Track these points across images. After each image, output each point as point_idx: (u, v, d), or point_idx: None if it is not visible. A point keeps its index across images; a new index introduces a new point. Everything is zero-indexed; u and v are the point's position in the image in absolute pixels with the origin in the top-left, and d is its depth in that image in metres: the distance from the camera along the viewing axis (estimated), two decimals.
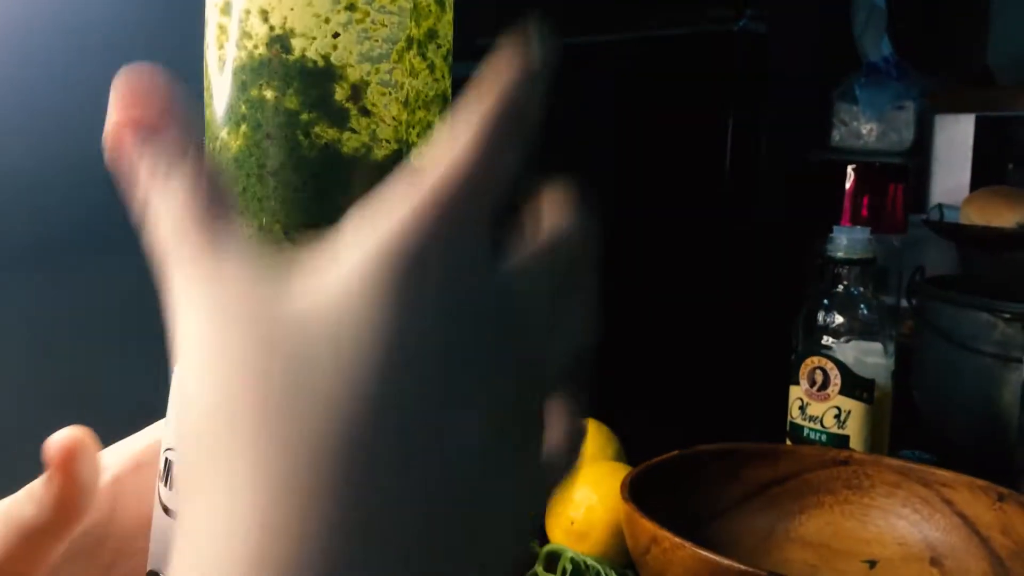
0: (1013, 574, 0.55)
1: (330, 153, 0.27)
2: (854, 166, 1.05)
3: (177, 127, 0.24)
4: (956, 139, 1.19)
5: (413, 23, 0.28)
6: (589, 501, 0.64)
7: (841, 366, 0.70)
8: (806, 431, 0.72)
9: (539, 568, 0.62)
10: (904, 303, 0.92)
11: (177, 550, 0.19)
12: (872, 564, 0.60)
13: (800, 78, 1.04)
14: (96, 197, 0.59)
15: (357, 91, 0.28)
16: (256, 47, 0.27)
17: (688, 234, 0.93)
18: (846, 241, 0.72)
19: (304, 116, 0.27)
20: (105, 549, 0.30)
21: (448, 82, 0.30)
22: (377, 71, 0.28)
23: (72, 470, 0.27)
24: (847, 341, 0.71)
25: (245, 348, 0.19)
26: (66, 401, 0.59)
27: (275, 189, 0.27)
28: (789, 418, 0.74)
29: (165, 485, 0.28)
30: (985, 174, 1.17)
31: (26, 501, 0.28)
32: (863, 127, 1.13)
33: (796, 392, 0.73)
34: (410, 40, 0.28)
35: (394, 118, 0.28)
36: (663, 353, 0.95)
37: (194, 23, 0.31)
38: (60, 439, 0.28)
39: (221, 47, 0.28)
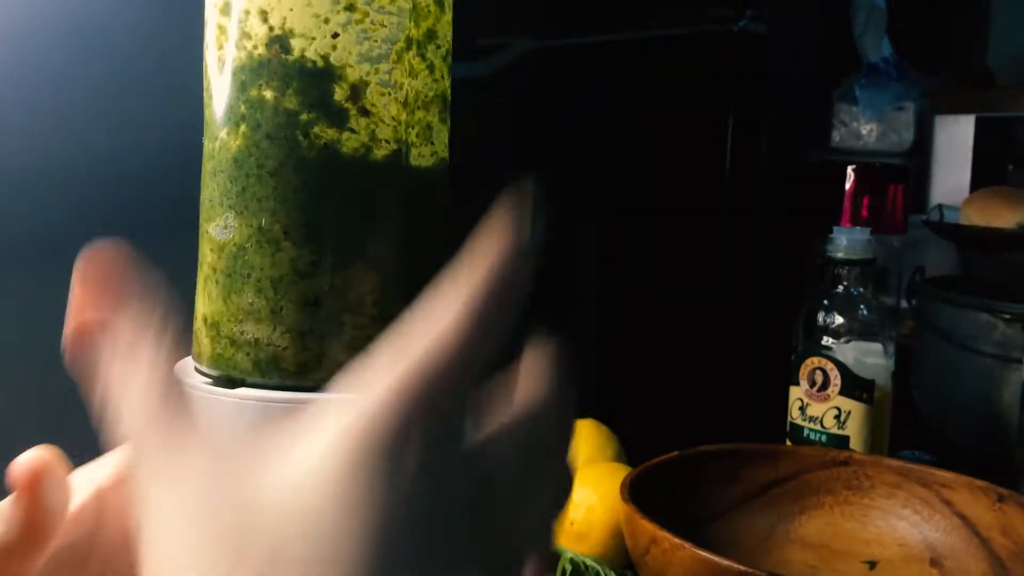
0: (1013, 575, 0.55)
1: (329, 153, 0.27)
2: (854, 167, 1.05)
3: (131, 317, 0.24)
4: (956, 140, 1.19)
5: (412, 23, 0.28)
6: (589, 502, 0.64)
7: (841, 367, 0.70)
8: (806, 432, 0.72)
9: None
10: (904, 304, 0.92)
11: None
12: (872, 565, 0.60)
13: (800, 78, 1.04)
14: (96, 197, 0.59)
15: (356, 91, 0.28)
16: (256, 47, 0.27)
17: (688, 234, 0.93)
18: (846, 242, 0.72)
19: (303, 116, 0.27)
20: (91, 563, 0.30)
21: (447, 82, 0.30)
22: (376, 71, 0.28)
23: (38, 492, 0.27)
24: (847, 342, 0.71)
25: (221, 536, 0.19)
26: (66, 401, 0.59)
27: (275, 189, 0.27)
28: (789, 419, 0.74)
29: None
30: (985, 175, 1.17)
31: None
32: (863, 128, 1.13)
33: (796, 392, 0.73)
34: (409, 40, 0.28)
35: (393, 118, 0.28)
36: (663, 353, 0.95)
37: (194, 23, 0.31)
38: (25, 461, 0.27)
39: (221, 47, 0.28)
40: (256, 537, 0.19)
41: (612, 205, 0.97)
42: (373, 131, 0.28)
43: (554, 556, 0.62)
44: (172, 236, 0.57)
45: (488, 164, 0.83)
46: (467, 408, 0.22)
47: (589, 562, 0.62)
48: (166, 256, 0.60)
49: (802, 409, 0.72)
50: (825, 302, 0.73)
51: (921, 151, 1.16)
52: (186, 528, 0.20)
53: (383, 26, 0.28)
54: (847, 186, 1.05)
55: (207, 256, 0.29)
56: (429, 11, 0.29)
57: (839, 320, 0.72)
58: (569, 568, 0.61)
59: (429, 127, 0.29)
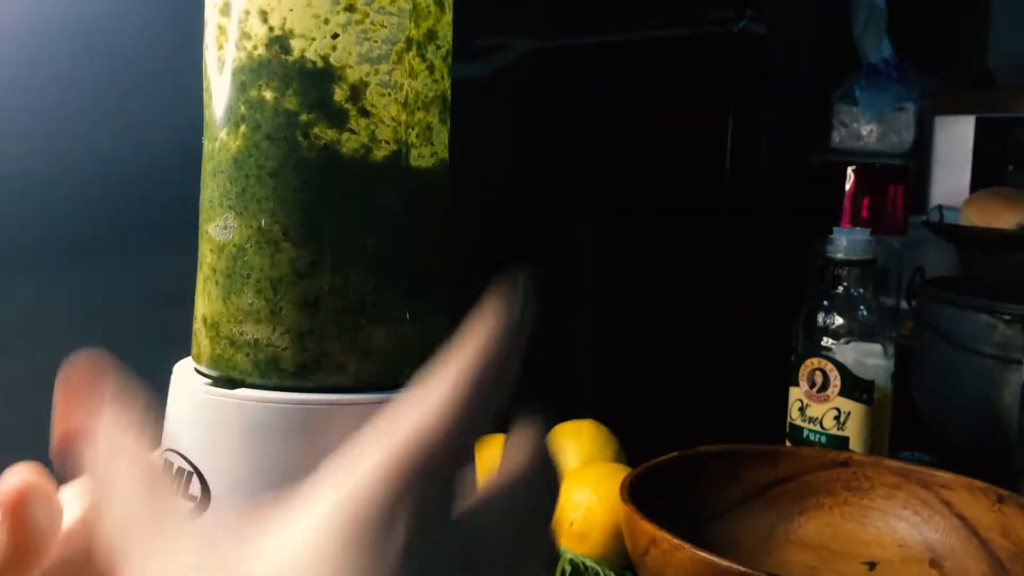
0: None
1: (329, 154, 0.27)
2: (854, 167, 1.05)
3: (111, 419, 0.25)
4: (956, 140, 1.19)
5: (412, 24, 0.28)
6: (588, 502, 0.64)
7: (841, 367, 0.70)
8: (806, 432, 0.72)
9: None
10: (904, 304, 0.92)
11: None
12: (872, 566, 0.60)
13: (800, 79, 1.04)
14: (96, 198, 0.59)
15: (356, 92, 0.28)
16: (255, 48, 0.27)
17: (688, 235, 0.93)
18: (846, 242, 0.72)
19: (303, 117, 0.27)
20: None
21: (447, 83, 0.30)
22: (376, 72, 0.28)
23: (24, 515, 0.27)
24: (847, 342, 0.71)
25: None
26: None
27: (274, 190, 0.27)
28: (789, 419, 0.74)
29: None
30: (985, 175, 1.17)
31: None
32: (863, 128, 1.13)
33: (796, 393, 0.73)
34: (409, 41, 0.28)
35: (393, 119, 0.28)
36: (663, 354, 0.95)
37: (194, 24, 0.31)
38: (10, 483, 0.28)
39: (221, 48, 0.28)
40: None
41: (612, 205, 0.97)
42: (373, 132, 0.28)
43: None
44: (172, 237, 0.57)
45: (488, 164, 0.83)
46: (455, 483, 0.23)
47: (589, 563, 0.62)
48: (166, 256, 0.60)
49: (802, 410, 0.72)
50: (825, 303, 0.73)
51: (921, 152, 1.16)
52: None
53: (383, 27, 0.28)
54: (847, 187, 1.05)
55: (207, 257, 0.29)
56: (429, 12, 0.29)
57: (839, 321, 0.72)
58: (569, 569, 0.61)
59: (429, 128, 0.29)
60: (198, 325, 0.29)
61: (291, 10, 0.27)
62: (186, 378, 0.29)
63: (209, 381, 0.28)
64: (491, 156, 0.82)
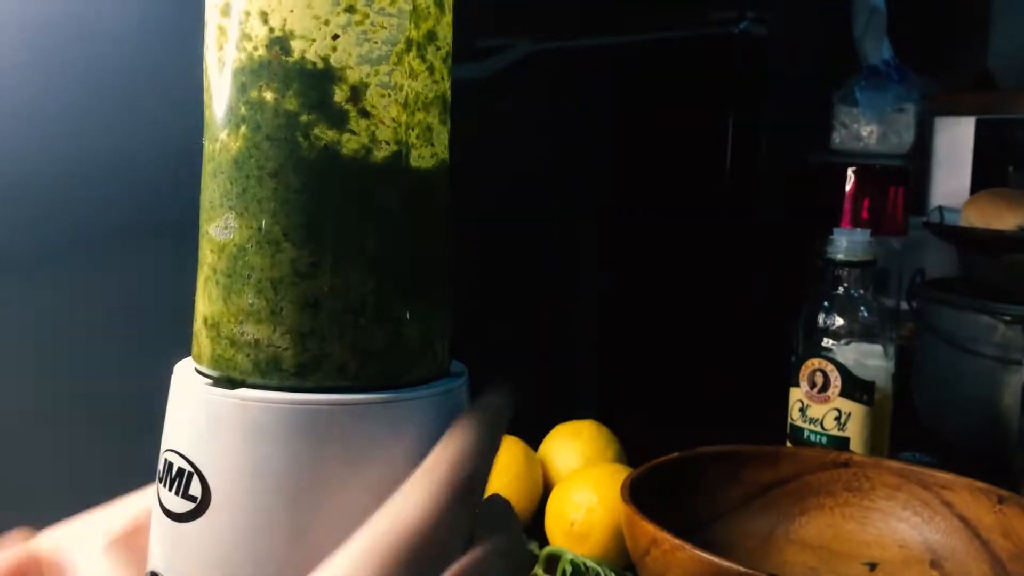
0: None
1: (330, 154, 0.27)
2: (854, 168, 1.06)
3: None
4: (956, 141, 1.19)
5: (412, 25, 0.28)
6: (589, 503, 0.64)
7: (841, 368, 0.70)
8: (806, 433, 0.72)
9: (539, 570, 0.62)
10: (904, 305, 0.92)
11: None
12: (872, 566, 0.60)
13: (800, 80, 1.04)
14: (97, 198, 0.59)
15: (356, 93, 0.28)
16: (256, 48, 0.28)
17: (689, 235, 0.93)
18: (846, 243, 0.72)
19: (304, 118, 0.27)
20: None
21: (447, 84, 0.30)
22: (376, 73, 0.28)
23: None
24: (847, 343, 0.71)
25: None
26: (66, 401, 0.59)
27: (275, 191, 0.27)
28: (789, 420, 0.74)
29: (165, 486, 0.28)
30: (985, 176, 1.17)
31: None
32: (863, 129, 1.13)
33: (796, 394, 0.73)
34: (409, 42, 0.28)
35: (393, 120, 0.28)
36: (663, 354, 0.95)
37: (194, 25, 0.31)
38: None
39: (221, 48, 0.28)
40: None
41: (612, 206, 0.97)
42: (373, 132, 0.28)
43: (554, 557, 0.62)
44: (173, 237, 0.57)
45: (488, 165, 0.83)
46: None
47: (589, 563, 0.62)
48: (167, 257, 0.60)
49: (802, 410, 0.72)
50: (825, 304, 0.73)
51: (921, 153, 1.16)
52: None
53: (383, 28, 0.28)
54: (847, 188, 1.05)
55: (207, 257, 0.29)
56: (429, 13, 0.29)
57: (839, 322, 0.72)
58: (569, 569, 0.61)
59: (429, 128, 0.29)
60: (198, 325, 0.30)
61: (291, 11, 0.27)
62: (186, 378, 0.29)
63: (210, 381, 0.28)
64: (491, 157, 0.82)
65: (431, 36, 0.29)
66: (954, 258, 1.11)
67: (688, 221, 0.92)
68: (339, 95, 0.27)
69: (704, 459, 0.64)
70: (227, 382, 0.28)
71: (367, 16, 0.27)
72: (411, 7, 0.28)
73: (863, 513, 0.62)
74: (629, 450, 0.75)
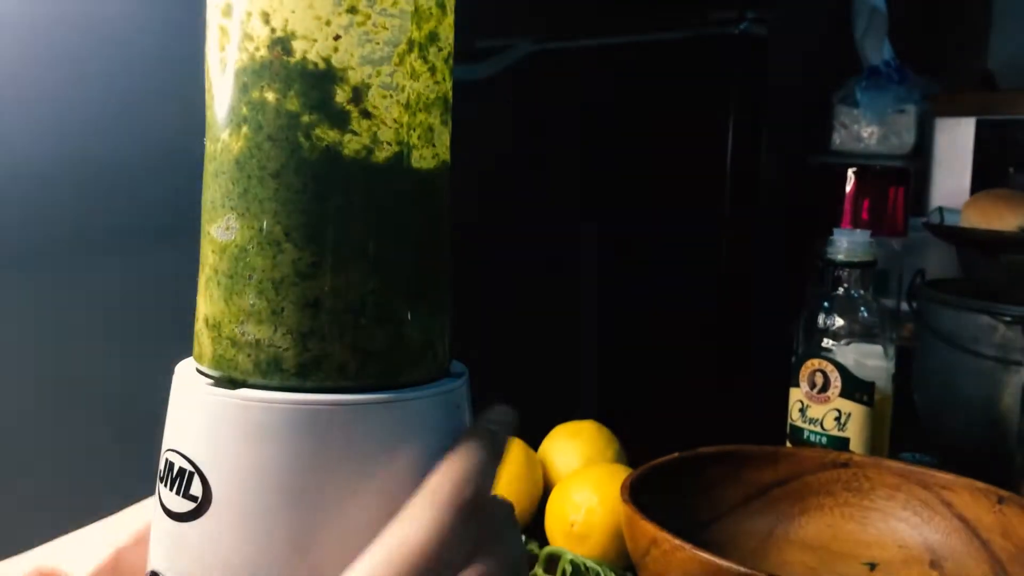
0: None
1: (331, 155, 0.27)
2: (855, 169, 1.06)
3: None
4: (957, 142, 1.19)
5: (414, 26, 0.28)
6: (589, 503, 0.64)
7: (841, 368, 0.70)
8: (806, 433, 0.72)
9: (539, 570, 0.62)
10: (904, 306, 0.92)
11: None
12: (872, 567, 0.60)
13: (801, 81, 1.04)
14: (98, 198, 0.59)
15: (358, 93, 0.28)
16: (257, 49, 0.28)
17: (689, 236, 0.93)
18: (846, 244, 0.72)
19: (305, 118, 0.27)
20: None
21: (449, 84, 0.30)
22: (378, 73, 0.28)
23: None
24: (847, 344, 0.71)
25: None
26: (66, 401, 0.59)
27: (276, 191, 0.28)
28: (789, 420, 0.74)
29: (166, 486, 0.28)
30: (985, 177, 1.17)
31: None
32: (864, 130, 1.13)
33: (796, 394, 0.73)
34: (411, 43, 0.28)
35: (395, 120, 0.28)
36: (664, 355, 0.95)
37: (196, 25, 0.31)
38: None
39: (223, 49, 0.28)
40: None
41: (613, 206, 0.97)
42: (375, 133, 0.28)
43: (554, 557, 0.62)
44: (174, 237, 0.57)
45: (489, 165, 0.83)
46: None
47: (590, 563, 0.62)
48: (168, 257, 0.60)
49: (802, 411, 0.72)
50: (825, 304, 0.73)
51: (922, 154, 1.16)
52: None
53: (385, 28, 0.28)
54: (848, 188, 1.05)
55: (209, 257, 0.29)
56: (431, 13, 0.29)
57: (839, 322, 0.72)
58: (569, 569, 0.61)
59: (430, 129, 0.29)
60: (200, 326, 0.30)
61: (293, 12, 0.27)
62: (188, 378, 0.29)
63: (211, 381, 0.28)
64: (492, 157, 0.82)
65: (433, 37, 0.29)
66: (954, 259, 1.11)
67: (689, 222, 0.92)
68: (341, 96, 0.27)
69: (704, 459, 0.64)
70: (228, 382, 0.28)
71: (369, 17, 0.28)
72: (413, 8, 0.28)
73: (863, 513, 0.62)
74: (629, 450, 0.75)
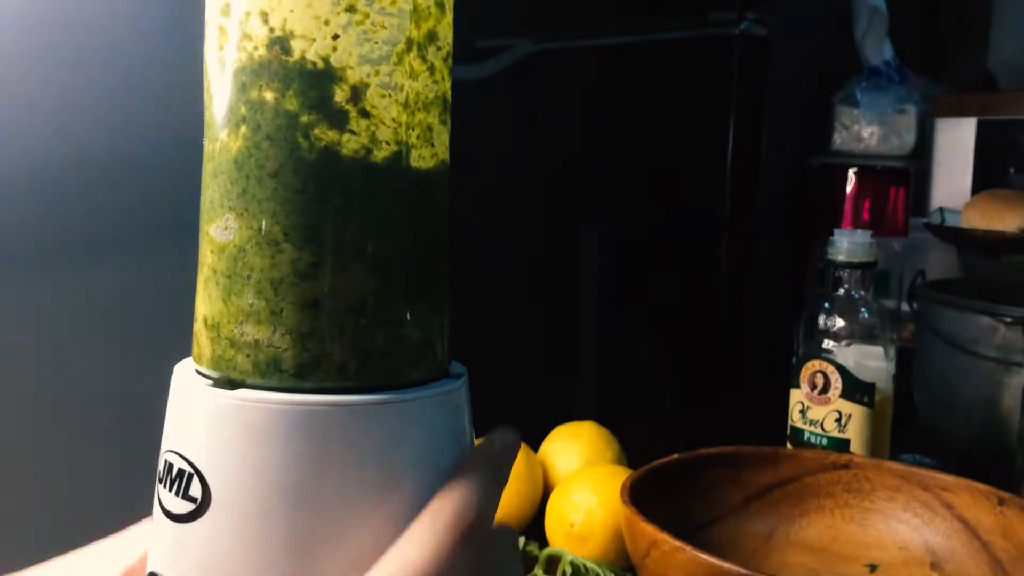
0: None
1: (330, 155, 0.27)
2: (855, 169, 1.06)
3: None
4: (957, 143, 1.19)
5: (413, 25, 0.28)
6: (589, 504, 0.64)
7: (842, 370, 0.70)
8: (807, 435, 0.72)
9: (539, 571, 0.62)
10: (905, 307, 0.92)
11: None
12: (872, 568, 0.60)
13: (801, 81, 1.04)
14: (97, 198, 0.59)
15: (357, 93, 0.28)
16: (256, 48, 0.27)
17: (689, 236, 0.93)
18: (847, 244, 0.72)
19: (304, 118, 0.27)
20: None
21: (448, 84, 0.30)
22: (377, 73, 0.28)
23: None
24: (848, 345, 0.71)
25: None
26: (66, 401, 0.59)
27: (275, 191, 0.27)
28: (790, 421, 0.73)
29: (165, 487, 0.28)
30: (986, 178, 1.17)
31: None
32: (864, 131, 1.13)
33: (797, 396, 0.73)
34: (410, 42, 0.28)
35: (394, 120, 0.28)
36: (664, 355, 0.95)
37: (195, 24, 0.31)
38: None
39: (221, 48, 0.28)
40: None
41: (613, 207, 0.97)
42: (373, 133, 0.28)
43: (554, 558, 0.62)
44: (173, 237, 0.57)
45: (489, 165, 0.83)
46: None
47: (590, 565, 0.62)
48: (167, 257, 0.60)
49: (803, 412, 0.72)
50: (826, 305, 0.73)
51: (922, 154, 1.16)
52: None
53: (384, 28, 0.28)
54: (848, 189, 1.05)
55: (207, 257, 0.29)
56: (430, 13, 0.29)
57: (840, 323, 0.72)
58: (569, 570, 0.61)
59: (429, 129, 0.29)
60: (198, 326, 0.29)
61: (292, 11, 0.27)
62: (186, 379, 0.29)
63: (210, 382, 0.28)
64: (492, 157, 0.82)
65: (432, 36, 0.29)
66: (955, 259, 1.11)
67: (689, 223, 0.92)
68: (339, 95, 0.27)
69: (704, 460, 0.64)
70: (227, 383, 0.28)
71: (368, 16, 0.27)
72: (412, 7, 0.28)
73: (863, 515, 0.62)
74: (629, 451, 0.75)
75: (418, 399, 0.29)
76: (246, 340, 0.28)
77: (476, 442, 0.31)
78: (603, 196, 0.97)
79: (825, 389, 0.71)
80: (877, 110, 1.09)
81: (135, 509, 0.35)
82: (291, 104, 0.27)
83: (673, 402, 0.93)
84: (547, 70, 0.94)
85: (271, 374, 0.27)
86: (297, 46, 0.27)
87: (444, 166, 0.30)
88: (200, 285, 0.29)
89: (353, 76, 0.27)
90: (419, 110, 0.29)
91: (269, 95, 0.27)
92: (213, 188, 0.29)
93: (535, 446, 0.76)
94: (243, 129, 0.28)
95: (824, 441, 0.71)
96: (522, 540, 0.66)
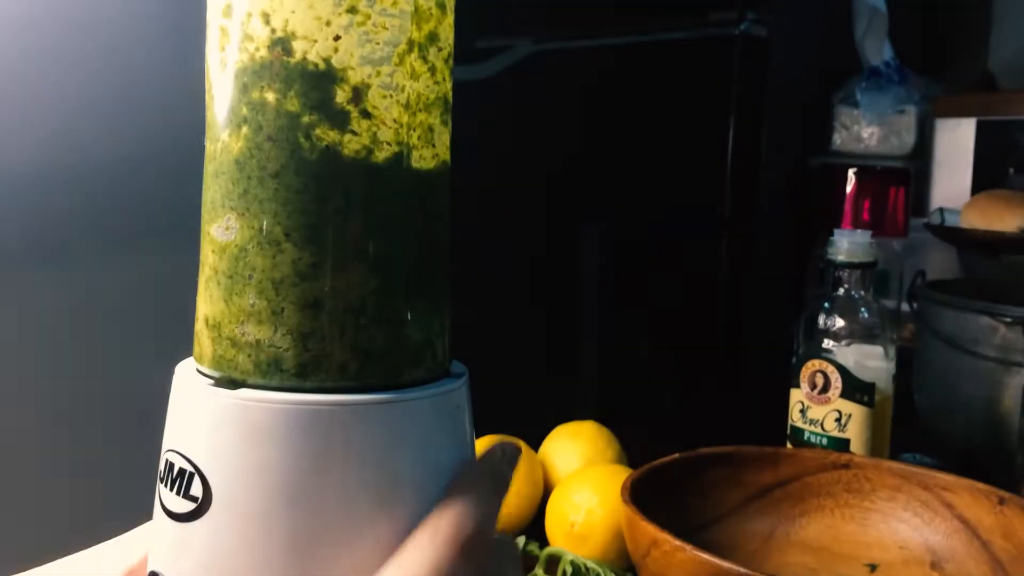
0: None
1: (331, 155, 0.27)
2: (855, 170, 1.06)
3: None
4: (957, 143, 1.19)
5: (414, 26, 0.28)
6: (590, 504, 0.64)
7: (842, 369, 0.70)
8: (807, 434, 0.72)
9: (539, 571, 0.62)
10: (905, 307, 0.92)
11: None
12: (873, 568, 0.60)
13: (801, 81, 1.04)
14: (98, 198, 0.59)
15: (358, 93, 0.28)
16: (258, 49, 0.28)
17: (689, 236, 0.93)
18: (847, 245, 0.72)
19: (305, 118, 0.27)
20: None
21: (449, 85, 0.30)
22: (378, 74, 0.28)
23: None
24: (848, 344, 0.71)
25: None
26: (66, 401, 0.59)
27: (276, 191, 0.27)
28: (790, 421, 0.74)
29: (166, 486, 0.28)
30: (986, 178, 1.17)
31: None
32: (864, 131, 1.13)
33: (797, 395, 0.73)
34: (411, 43, 0.28)
35: (395, 120, 0.28)
36: (664, 355, 0.95)
37: (196, 25, 0.31)
38: None
39: (223, 49, 0.28)
40: None
41: (613, 207, 0.97)
42: (375, 133, 0.28)
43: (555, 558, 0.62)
44: (174, 237, 0.57)
45: (489, 166, 0.83)
46: None
47: (590, 564, 0.62)
48: (168, 257, 0.60)
49: (803, 412, 0.72)
50: (826, 305, 0.73)
51: (922, 154, 1.16)
52: None
53: (385, 28, 0.28)
54: (848, 189, 1.05)
55: (208, 257, 0.29)
56: (431, 13, 0.29)
57: (840, 323, 0.72)
58: (570, 570, 0.61)
59: (431, 129, 0.29)
60: (200, 326, 0.30)
61: (293, 12, 0.27)
62: (188, 379, 0.29)
63: (211, 382, 0.28)
64: (492, 157, 0.82)
65: (433, 37, 0.29)
66: (955, 259, 1.11)
67: (689, 223, 0.92)
68: (341, 96, 0.27)
69: (704, 460, 0.64)
70: (228, 382, 0.28)
71: (369, 17, 0.28)
72: (413, 8, 0.28)
73: (863, 514, 0.62)
74: (629, 451, 0.75)
75: (419, 399, 0.29)
76: (247, 340, 0.28)
77: (477, 442, 0.31)
78: (603, 196, 0.97)
79: (825, 389, 0.71)
80: (877, 110, 1.09)
81: (136, 508, 0.35)
82: (292, 105, 0.27)
83: (673, 402, 0.93)
84: (547, 70, 0.94)
85: (272, 374, 0.28)
86: (299, 47, 0.27)
87: (445, 166, 0.30)
88: (201, 285, 0.30)
89: (354, 77, 0.28)
90: (420, 111, 0.29)
91: (271, 96, 0.27)
92: (214, 188, 0.29)
93: (535, 446, 0.76)
94: (244, 130, 0.28)
95: (824, 441, 0.71)
96: (522, 540, 0.66)
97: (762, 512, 0.63)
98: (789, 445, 0.73)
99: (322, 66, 0.27)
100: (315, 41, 0.27)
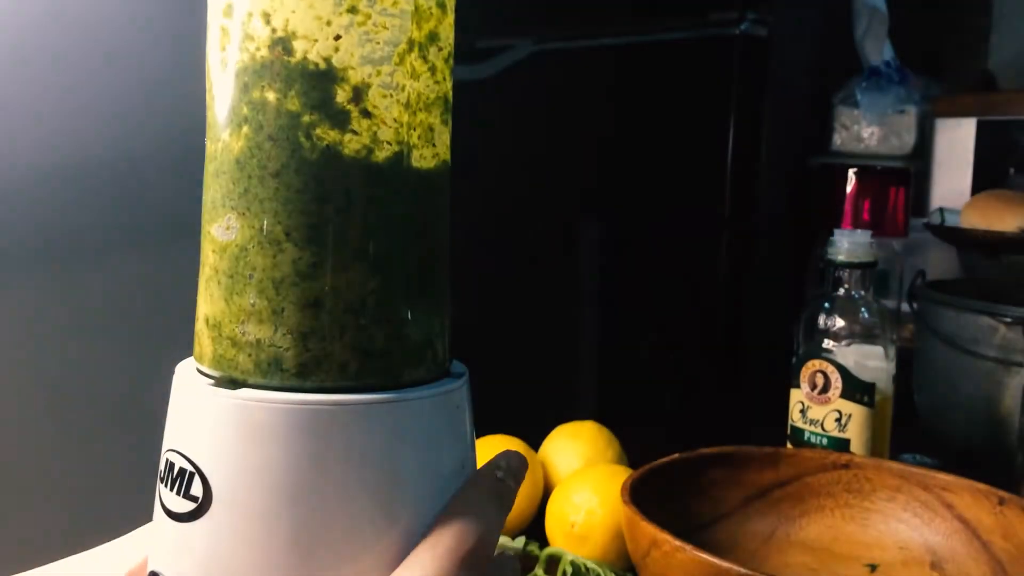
0: None
1: (331, 155, 0.27)
2: (855, 170, 1.06)
3: None
4: (957, 143, 1.19)
5: (415, 25, 0.28)
6: (590, 504, 0.64)
7: (842, 369, 0.70)
8: (807, 434, 0.72)
9: (539, 571, 0.62)
10: (905, 307, 0.92)
11: None
12: (873, 568, 0.60)
13: (801, 81, 1.04)
14: (99, 198, 0.59)
15: (358, 93, 0.28)
16: (258, 49, 0.28)
17: (690, 237, 0.93)
18: (847, 245, 0.72)
19: (306, 118, 0.27)
20: None
21: (449, 84, 0.30)
22: (379, 73, 0.28)
23: None
24: (848, 344, 0.71)
25: None
26: (66, 401, 0.59)
27: (277, 191, 0.28)
28: (790, 421, 0.74)
29: (166, 486, 0.28)
30: (986, 178, 1.17)
31: None
32: (864, 131, 1.13)
33: (797, 395, 0.73)
34: (411, 42, 0.28)
35: (395, 120, 0.28)
36: (664, 355, 0.95)
37: (197, 25, 0.31)
38: None
39: (223, 49, 0.28)
40: None
41: (613, 207, 0.97)
42: (375, 133, 0.28)
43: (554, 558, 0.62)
44: (174, 237, 0.57)
45: (489, 165, 0.83)
46: None
47: (590, 564, 0.62)
48: (168, 257, 0.60)
49: (803, 412, 0.72)
50: (826, 305, 0.73)
51: (922, 154, 1.16)
52: None
53: (385, 28, 0.28)
54: (848, 189, 1.05)
55: (209, 257, 0.29)
56: (431, 13, 0.29)
57: (840, 323, 0.72)
58: (570, 570, 0.61)
59: (431, 129, 0.29)
60: (200, 325, 0.30)
61: (294, 12, 0.27)
62: (188, 378, 0.29)
63: (211, 381, 0.28)
64: (493, 157, 0.82)
65: (433, 37, 0.29)
66: (955, 259, 1.11)
67: (689, 223, 0.92)
68: (341, 95, 0.27)
69: (704, 460, 0.64)
70: (228, 382, 0.28)
71: (369, 17, 0.28)
72: (413, 8, 0.28)
73: (863, 515, 0.62)
74: (629, 451, 0.75)
75: (419, 399, 0.29)
76: (247, 339, 0.28)
77: (478, 442, 0.31)
78: (603, 196, 0.97)
79: (825, 389, 0.71)
80: (877, 110, 1.09)
81: (136, 508, 0.35)
82: (293, 104, 0.27)
83: (673, 402, 0.93)
84: (547, 70, 0.94)
85: (272, 373, 0.28)
86: (299, 47, 0.27)
87: (445, 166, 0.31)
88: (202, 285, 0.29)
89: (355, 76, 0.28)
90: (420, 110, 0.29)
91: (271, 95, 0.27)
92: (215, 188, 0.29)
93: (535, 446, 0.76)
94: (245, 129, 0.28)
95: (824, 441, 0.71)
96: (522, 540, 0.66)
97: (762, 512, 0.63)
98: (789, 445, 0.73)
99: (322, 66, 0.27)
100: (315, 41, 0.27)
